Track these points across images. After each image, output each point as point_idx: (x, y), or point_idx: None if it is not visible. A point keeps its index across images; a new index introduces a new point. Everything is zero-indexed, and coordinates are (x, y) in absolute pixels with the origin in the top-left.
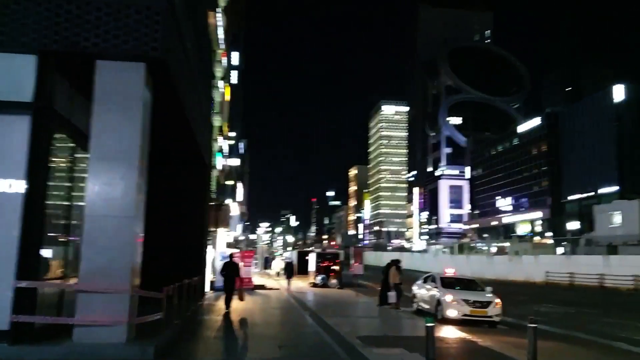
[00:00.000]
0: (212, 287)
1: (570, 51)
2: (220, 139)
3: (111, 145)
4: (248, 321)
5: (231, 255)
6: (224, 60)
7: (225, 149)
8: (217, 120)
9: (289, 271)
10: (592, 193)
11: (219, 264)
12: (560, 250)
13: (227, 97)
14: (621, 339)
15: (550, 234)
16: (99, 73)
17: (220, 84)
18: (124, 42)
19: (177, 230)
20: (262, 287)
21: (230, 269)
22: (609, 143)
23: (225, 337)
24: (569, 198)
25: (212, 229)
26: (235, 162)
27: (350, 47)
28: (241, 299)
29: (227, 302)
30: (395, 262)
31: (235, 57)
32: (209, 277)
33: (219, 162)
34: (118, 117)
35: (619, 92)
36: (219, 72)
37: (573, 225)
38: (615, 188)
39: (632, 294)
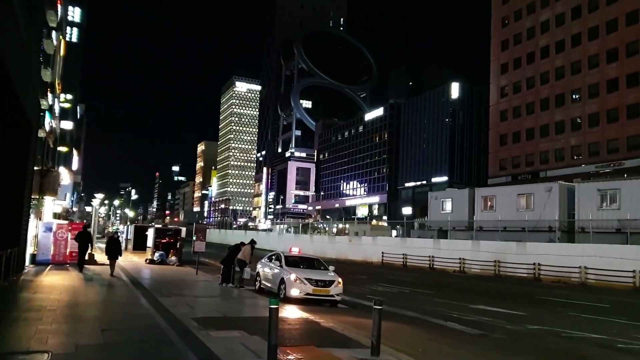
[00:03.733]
0: (34, 261)
1: (416, 47)
2: (50, 97)
3: None
4: (69, 300)
5: (86, 226)
6: (61, 10)
7: (57, 110)
8: (47, 75)
9: (113, 250)
10: (425, 182)
11: (43, 235)
12: (394, 232)
13: (62, 52)
14: (453, 318)
15: (386, 217)
16: None
17: (54, 35)
18: None
19: None
20: (94, 262)
21: (83, 238)
22: (442, 136)
23: (37, 319)
24: (405, 185)
25: (36, 197)
26: (68, 125)
27: (210, 20)
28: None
29: (81, 266)
30: (252, 242)
31: (76, 13)
32: (29, 249)
33: (47, 122)
34: None
35: (455, 90)
36: (52, 21)
37: (407, 210)
38: (444, 178)
39: (458, 275)
